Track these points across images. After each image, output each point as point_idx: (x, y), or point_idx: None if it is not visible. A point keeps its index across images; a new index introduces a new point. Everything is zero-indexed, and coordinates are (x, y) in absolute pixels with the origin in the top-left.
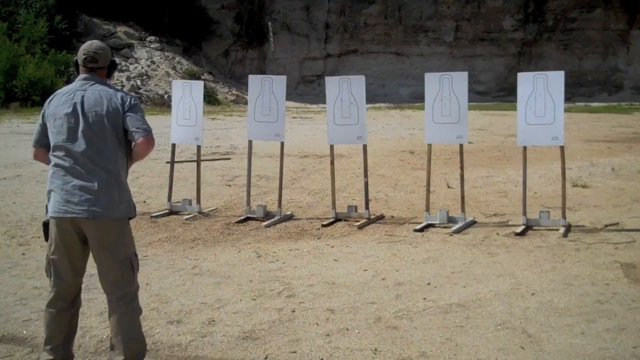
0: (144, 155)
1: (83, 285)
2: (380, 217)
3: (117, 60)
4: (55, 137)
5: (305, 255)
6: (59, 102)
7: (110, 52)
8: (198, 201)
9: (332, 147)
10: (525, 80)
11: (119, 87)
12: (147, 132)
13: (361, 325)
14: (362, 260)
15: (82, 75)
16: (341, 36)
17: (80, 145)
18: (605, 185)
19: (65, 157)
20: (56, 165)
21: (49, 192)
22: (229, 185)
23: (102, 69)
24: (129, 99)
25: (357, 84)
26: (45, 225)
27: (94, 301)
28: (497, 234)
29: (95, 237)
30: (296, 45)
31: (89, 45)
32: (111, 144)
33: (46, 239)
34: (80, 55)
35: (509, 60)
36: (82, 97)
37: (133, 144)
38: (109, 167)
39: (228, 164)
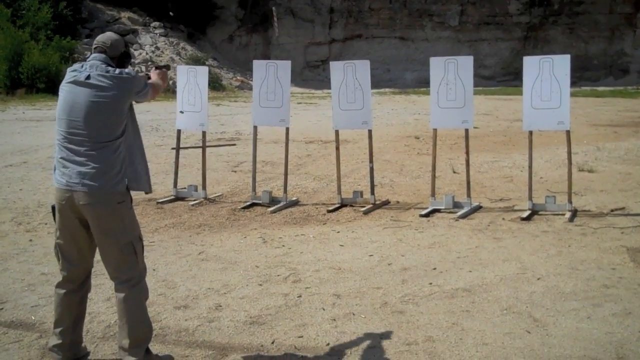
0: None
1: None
2: (386, 203)
3: None
4: (59, 110)
5: (311, 240)
6: (68, 77)
7: (121, 44)
8: (204, 187)
9: (337, 132)
10: (531, 64)
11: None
12: (149, 91)
13: (367, 310)
14: (368, 245)
15: (97, 56)
16: (346, 21)
17: (80, 123)
18: (611, 170)
19: (64, 131)
20: (58, 138)
21: (55, 164)
22: (235, 171)
23: (112, 59)
24: (126, 76)
25: (362, 68)
26: (54, 208)
27: (101, 287)
28: (503, 218)
29: (94, 223)
30: (300, 30)
31: (101, 37)
32: (109, 121)
33: (55, 221)
34: (93, 45)
35: (514, 44)
36: (88, 75)
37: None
38: (106, 143)
39: (233, 149)
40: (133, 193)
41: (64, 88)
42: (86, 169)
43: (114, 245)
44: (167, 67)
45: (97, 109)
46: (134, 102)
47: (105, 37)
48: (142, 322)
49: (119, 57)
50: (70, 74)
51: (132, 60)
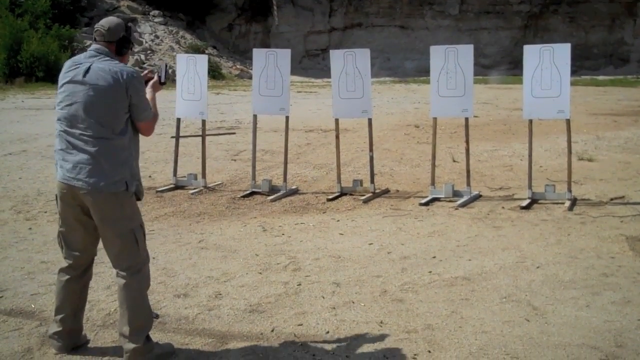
0: (146, 135)
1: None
2: (386, 191)
3: None
4: (59, 104)
5: (311, 229)
6: (67, 70)
7: (120, 29)
8: (203, 176)
9: (337, 121)
10: (532, 53)
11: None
12: (146, 118)
13: (367, 298)
14: (368, 234)
15: (93, 46)
16: (345, 9)
17: (79, 115)
18: (611, 159)
19: (66, 125)
20: (59, 133)
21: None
22: (234, 160)
23: (110, 43)
24: (129, 77)
25: (362, 57)
26: (57, 197)
27: (102, 275)
28: (503, 207)
29: (95, 211)
30: (300, 19)
31: (102, 21)
32: (110, 117)
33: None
34: (94, 29)
35: (514, 33)
36: (88, 67)
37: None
38: (105, 140)
39: (233, 138)
40: None
41: (67, 78)
42: (83, 163)
43: (115, 233)
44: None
45: (109, 102)
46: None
47: (105, 21)
48: (142, 310)
49: (117, 42)
50: (75, 64)
51: (133, 46)
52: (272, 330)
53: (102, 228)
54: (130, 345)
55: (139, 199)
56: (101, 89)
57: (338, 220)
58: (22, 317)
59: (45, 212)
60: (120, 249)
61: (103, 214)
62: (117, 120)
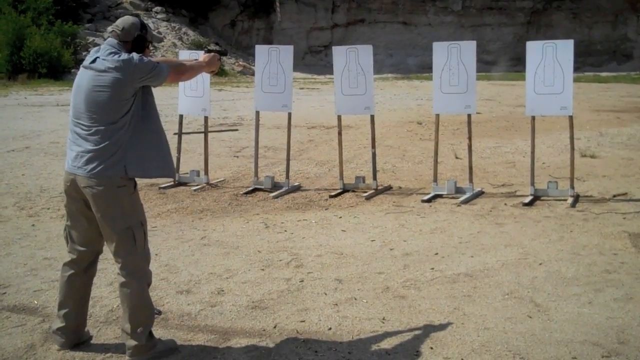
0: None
1: None
2: (388, 188)
3: None
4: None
5: (313, 225)
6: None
7: (135, 28)
8: (206, 172)
9: (339, 117)
10: (534, 50)
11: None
12: (162, 74)
13: (369, 294)
14: (370, 230)
15: (106, 40)
16: (348, 6)
17: (81, 106)
18: (613, 155)
19: (72, 116)
20: (69, 121)
21: None
22: (237, 157)
23: (125, 43)
24: (126, 61)
25: (364, 53)
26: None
27: (104, 271)
28: (505, 204)
29: (93, 206)
30: (303, 15)
31: (118, 21)
32: (110, 108)
33: None
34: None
35: (517, 29)
36: (95, 59)
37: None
38: (104, 128)
39: (235, 135)
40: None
41: (80, 71)
42: (83, 152)
43: (112, 229)
44: (221, 52)
45: (96, 92)
46: (152, 87)
47: (120, 21)
48: (143, 308)
49: (133, 41)
50: (88, 57)
51: (151, 44)
52: (275, 327)
53: (101, 223)
54: (132, 342)
55: (161, 177)
56: (101, 79)
57: (340, 217)
58: (25, 313)
59: (48, 208)
60: (117, 246)
61: (101, 208)
62: (117, 106)
